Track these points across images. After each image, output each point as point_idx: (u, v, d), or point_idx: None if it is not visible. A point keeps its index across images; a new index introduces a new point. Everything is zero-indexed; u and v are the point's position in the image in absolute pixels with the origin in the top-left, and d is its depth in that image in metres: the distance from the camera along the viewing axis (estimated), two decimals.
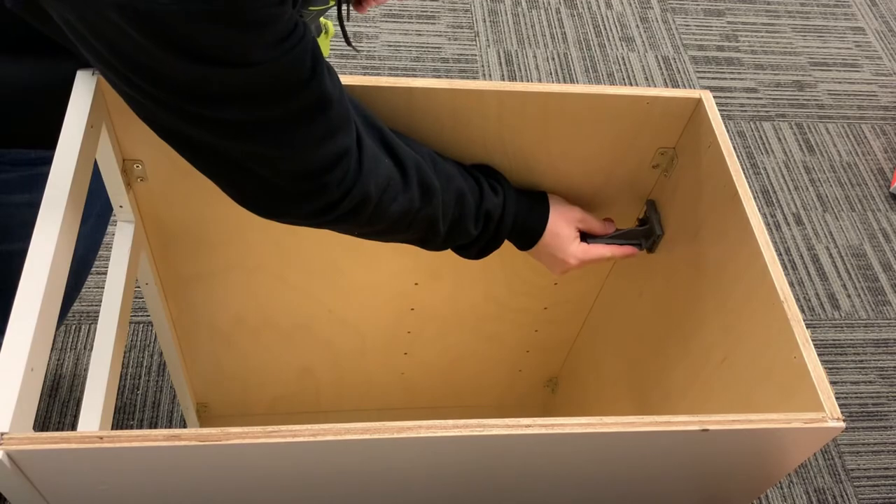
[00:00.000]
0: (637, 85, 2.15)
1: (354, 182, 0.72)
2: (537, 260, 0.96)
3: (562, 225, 0.93)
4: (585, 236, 0.95)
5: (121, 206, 0.89)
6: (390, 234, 0.82)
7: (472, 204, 0.85)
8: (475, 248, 0.90)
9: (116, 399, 1.35)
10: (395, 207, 0.77)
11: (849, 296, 1.83)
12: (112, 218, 0.98)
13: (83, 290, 1.56)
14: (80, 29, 0.58)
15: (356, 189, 0.72)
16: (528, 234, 0.92)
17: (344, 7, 0.85)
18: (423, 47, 2.13)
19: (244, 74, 0.60)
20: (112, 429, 0.96)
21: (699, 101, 0.89)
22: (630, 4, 2.34)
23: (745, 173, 1.98)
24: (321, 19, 1.00)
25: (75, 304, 1.55)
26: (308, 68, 0.64)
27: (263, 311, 1.12)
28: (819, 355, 0.74)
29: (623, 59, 2.20)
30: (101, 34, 0.58)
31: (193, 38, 0.56)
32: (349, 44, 0.91)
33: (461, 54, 2.13)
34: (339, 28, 0.92)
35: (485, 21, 2.23)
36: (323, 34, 1.03)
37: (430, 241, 0.85)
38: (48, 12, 0.60)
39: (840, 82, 2.25)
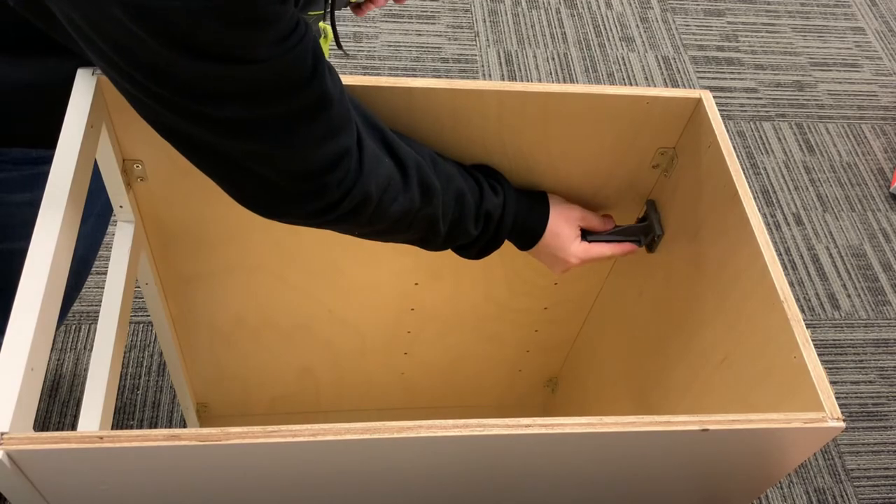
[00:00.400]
0: (637, 85, 2.15)
1: (355, 182, 0.72)
2: (538, 259, 0.96)
3: (562, 224, 0.93)
4: (585, 233, 0.95)
5: (121, 206, 0.89)
6: (391, 234, 0.82)
7: (473, 204, 0.85)
8: (475, 248, 0.90)
9: (116, 399, 1.35)
10: (395, 207, 0.77)
11: (849, 296, 1.83)
12: (112, 218, 0.98)
13: (83, 290, 1.56)
14: (84, 27, 0.58)
15: (356, 189, 0.72)
16: (529, 234, 0.92)
17: (340, 10, 0.85)
18: (423, 47, 2.13)
19: (246, 72, 0.60)
20: (112, 429, 0.96)
21: (699, 101, 0.89)
22: (630, 4, 2.34)
23: (745, 173, 1.98)
24: (320, 24, 1.00)
25: (75, 304, 1.55)
26: (309, 67, 0.64)
27: (263, 311, 1.12)
28: (819, 355, 0.74)
29: (623, 59, 2.20)
30: (104, 32, 0.58)
31: (195, 34, 0.56)
32: (340, 48, 0.91)
33: (461, 54, 2.13)
34: (339, 27, 0.92)
35: (485, 21, 2.23)
36: (322, 38, 1.04)
37: (430, 241, 0.85)
38: (51, 10, 0.61)
39: (840, 82, 2.25)
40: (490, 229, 0.88)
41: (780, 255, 1.87)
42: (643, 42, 2.25)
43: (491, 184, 0.88)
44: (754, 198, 1.94)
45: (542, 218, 0.92)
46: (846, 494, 1.54)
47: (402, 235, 0.83)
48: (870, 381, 1.70)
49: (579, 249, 0.93)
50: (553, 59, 2.16)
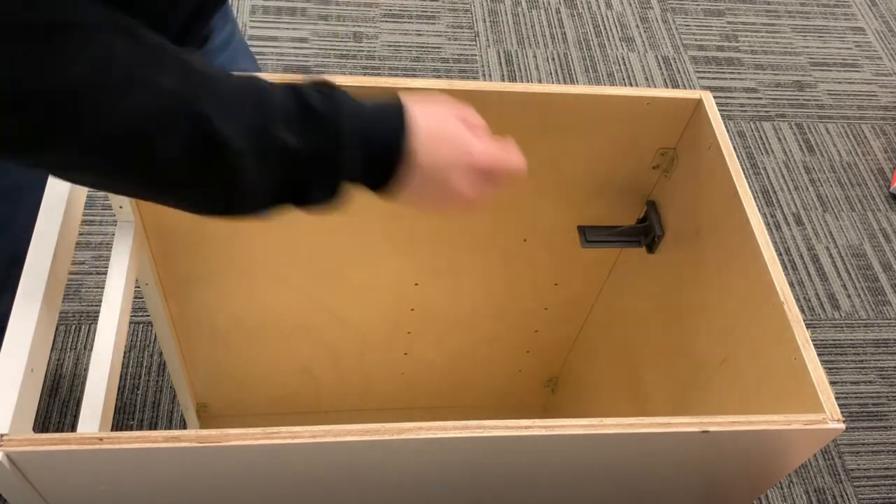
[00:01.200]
0: (637, 85, 2.15)
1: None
2: (419, 196, 0.67)
3: (439, 117, 0.67)
4: (585, 232, 0.94)
5: (121, 207, 0.89)
6: (141, 165, 0.55)
7: (281, 103, 0.59)
8: (317, 179, 0.61)
9: (116, 399, 1.35)
10: (127, 102, 0.51)
11: (849, 296, 1.83)
12: (112, 218, 0.98)
13: (83, 290, 1.56)
14: None
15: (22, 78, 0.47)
16: (388, 143, 0.64)
17: None
18: (423, 47, 2.13)
19: None
20: (112, 429, 0.96)
21: (699, 102, 0.89)
22: (630, 4, 2.34)
23: (745, 173, 1.97)
24: None
25: (75, 304, 1.56)
26: None
27: (263, 312, 1.12)
28: (819, 355, 0.74)
29: (623, 59, 2.20)
30: None
31: None
32: None
33: (461, 54, 2.13)
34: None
35: (485, 21, 2.23)
36: None
37: (236, 173, 0.57)
38: None
39: (840, 82, 2.25)
40: (323, 136, 0.60)
41: (780, 255, 1.87)
42: (643, 42, 2.25)
43: (316, 85, 0.62)
44: (754, 198, 1.94)
45: (403, 115, 0.64)
46: (846, 494, 1.54)
47: (180, 172, 0.57)
48: (870, 381, 1.70)
49: (478, 149, 0.68)
50: (553, 59, 2.16)
